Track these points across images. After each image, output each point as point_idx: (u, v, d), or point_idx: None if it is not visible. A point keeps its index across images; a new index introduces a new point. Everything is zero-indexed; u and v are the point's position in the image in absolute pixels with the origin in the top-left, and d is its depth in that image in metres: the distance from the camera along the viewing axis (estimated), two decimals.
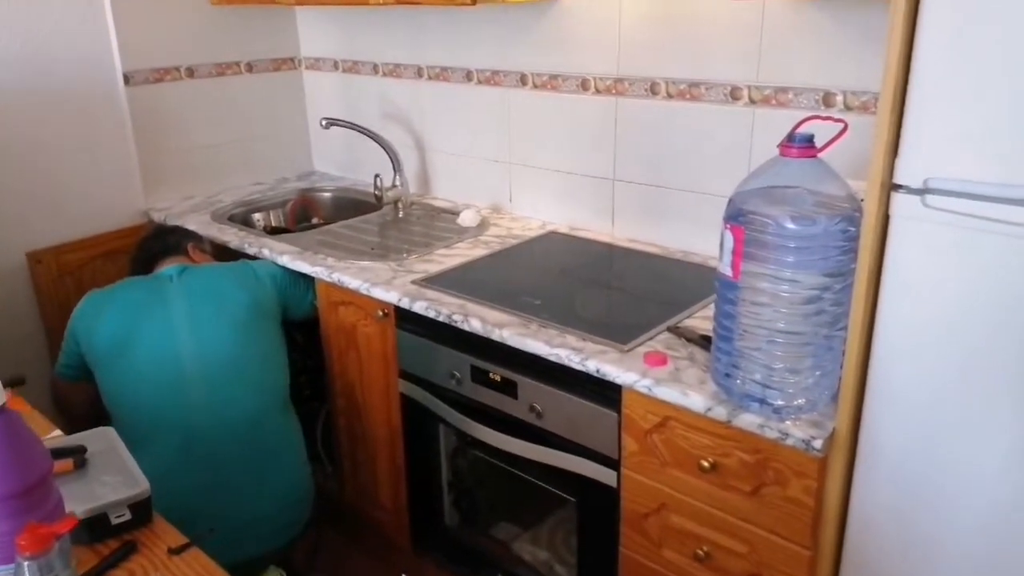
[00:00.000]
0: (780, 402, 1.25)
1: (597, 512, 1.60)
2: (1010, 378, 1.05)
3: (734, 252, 1.24)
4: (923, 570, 1.19)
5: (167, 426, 1.80)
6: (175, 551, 1.14)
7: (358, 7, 2.50)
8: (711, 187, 1.89)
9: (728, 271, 1.26)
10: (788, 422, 1.25)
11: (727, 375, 1.31)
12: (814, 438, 1.22)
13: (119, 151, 2.45)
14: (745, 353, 1.27)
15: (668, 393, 1.37)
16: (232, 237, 2.25)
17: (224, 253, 2.26)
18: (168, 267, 1.98)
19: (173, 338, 1.83)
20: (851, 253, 1.20)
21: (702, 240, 1.93)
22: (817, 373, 1.26)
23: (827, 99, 1.66)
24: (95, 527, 1.15)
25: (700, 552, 1.44)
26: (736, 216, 1.23)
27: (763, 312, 1.24)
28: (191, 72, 2.57)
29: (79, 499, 1.17)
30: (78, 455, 1.26)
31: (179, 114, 2.58)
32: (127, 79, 2.42)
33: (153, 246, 2.12)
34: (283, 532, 1.92)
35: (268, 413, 1.89)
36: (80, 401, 1.99)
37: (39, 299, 2.34)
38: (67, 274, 2.38)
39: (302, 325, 2.17)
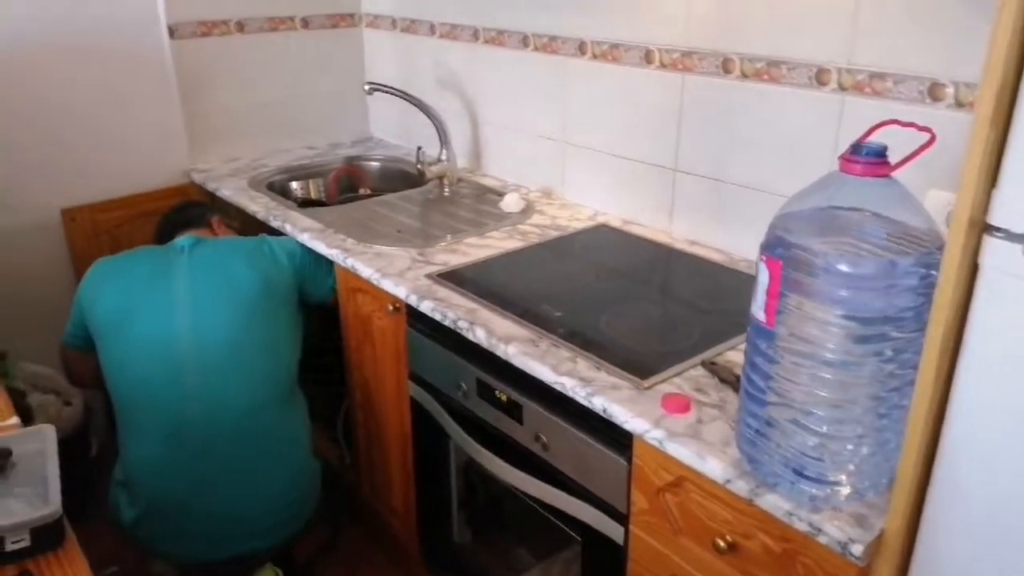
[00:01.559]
0: (815, 490, 0.98)
1: (602, 562, 1.37)
2: None
3: (769, 291, 0.96)
4: None
5: (159, 412, 1.69)
6: None
7: None
8: (787, 187, 1.56)
9: (760, 314, 0.98)
10: (824, 513, 0.98)
11: (753, 443, 1.04)
12: (853, 541, 0.94)
13: (163, 108, 2.34)
14: (778, 420, 1.00)
15: (682, 452, 1.11)
16: (260, 207, 2.10)
17: (252, 224, 2.13)
18: (183, 238, 1.85)
19: (171, 317, 1.70)
20: (926, 304, 0.90)
21: None
22: (865, 452, 0.97)
23: (934, 90, 1.32)
24: None
25: None
26: (774, 246, 0.95)
27: (802, 370, 0.96)
28: (241, 26, 2.43)
29: None
30: (1, 459, 1.13)
31: (228, 70, 2.44)
32: (172, 31, 2.30)
33: (176, 218, 2.02)
34: (278, 530, 1.78)
35: (268, 404, 1.74)
36: (85, 371, 1.90)
37: (73, 257, 2.28)
38: (103, 232, 2.31)
39: (327, 308, 2.01)
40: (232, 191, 2.24)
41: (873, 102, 1.41)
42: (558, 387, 1.29)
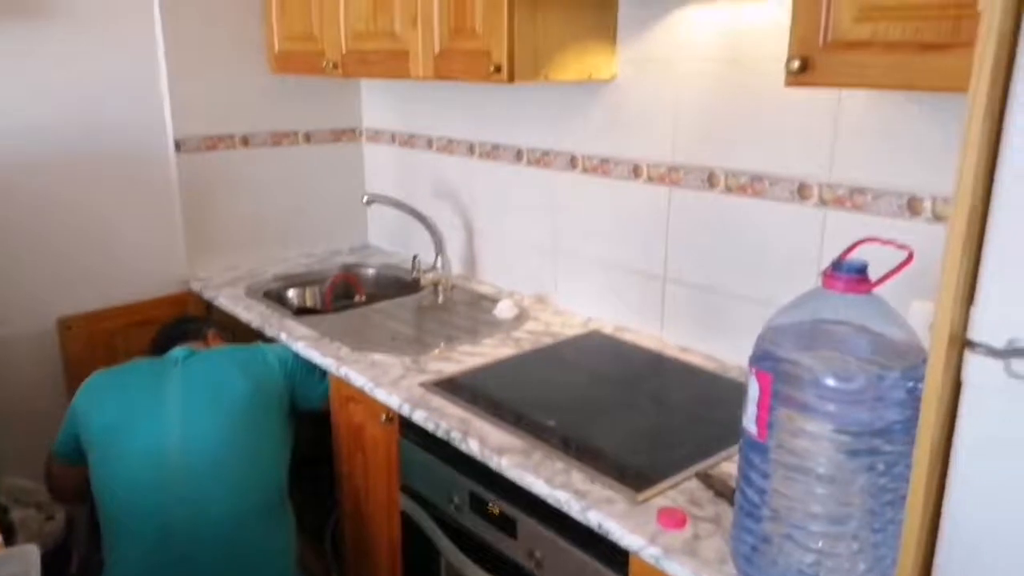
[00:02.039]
0: None
1: None
2: None
3: (759, 404, 0.97)
4: None
5: (145, 518, 1.67)
6: None
7: (404, 80, 2.38)
8: (775, 296, 1.60)
9: (752, 427, 0.98)
10: None
11: (750, 560, 1.02)
12: None
13: (164, 218, 2.40)
14: (773, 535, 0.99)
15: (678, 570, 1.09)
16: (255, 316, 2.12)
17: (248, 335, 2.14)
18: (179, 350, 1.88)
19: (162, 427, 1.70)
20: (914, 417, 0.90)
21: None
22: (862, 567, 0.96)
23: (912, 204, 1.36)
24: None
25: None
26: (763, 359, 0.96)
27: (796, 484, 0.95)
28: (246, 141, 2.51)
29: None
30: None
31: (231, 182, 2.51)
32: (179, 146, 2.37)
33: (173, 332, 2.05)
34: None
35: (253, 515, 1.72)
36: (69, 484, 1.89)
37: (66, 367, 2.27)
38: (99, 342, 2.31)
39: (317, 416, 2.00)
40: (228, 300, 2.26)
41: (854, 216, 1.45)
42: (552, 501, 1.28)
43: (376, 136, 2.70)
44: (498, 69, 1.68)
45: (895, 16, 1.06)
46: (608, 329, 1.95)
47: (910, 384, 0.90)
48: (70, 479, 1.87)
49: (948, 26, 1.02)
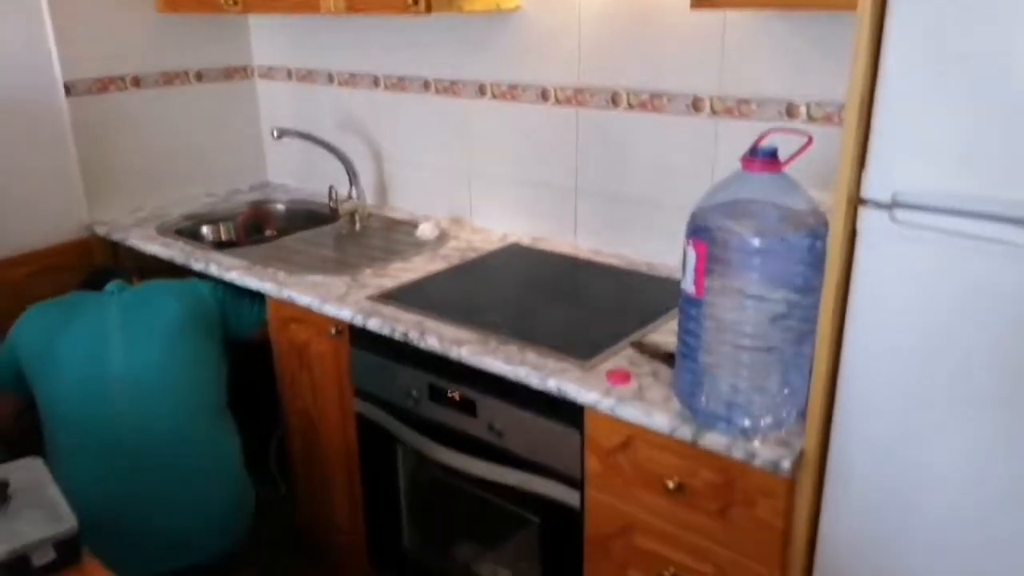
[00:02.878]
0: (746, 421, 1.21)
1: (560, 533, 1.55)
2: (980, 398, 1.02)
3: (696, 269, 1.20)
4: None
5: (92, 430, 1.77)
6: None
7: (311, 16, 2.43)
8: (675, 199, 1.85)
9: (691, 288, 1.22)
10: (755, 442, 1.21)
11: (692, 394, 1.26)
12: (782, 458, 1.18)
13: (59, 163, 2.34)
14: (710, 371, 1.23)
15: (632, 413, 1.32)
16: (177, 252, 2.16)
17: (169, 271, 2.17)
18: (112, 284, 1.96)
19: (104, 345, 1.81)
20: (817, 268, 1.16)
21: (667, 252, 1.89)
22: (785, 391, 1.22)
23: (791, 110, 1.64)
24: (17, 570, 1.06)
25: (666, 574, 1.39)
26: (698, 231, 1.19)
27: (728, 329, 1.20)
28: (137, 81, 2.48)
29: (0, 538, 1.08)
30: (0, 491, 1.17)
31: (125, 125, 2.48)
32: (68, 89, 2.31)
33: (101, 278, 2.08)
34: (212, 543, 1.84)
35: (195, 423, 1.84)
36: (1, 413, 1.95)
37: None
38: (3, 290, 2.26)
39: (248, 347, 2.09)
40: (141, 240, 2.27)
41: (742, 123, 1.71)
42: (512, 376, 1.48)
43: (270, 73, 2.72)
44: (415, 0, 1.79)
45: None
46: (526, 241, 2.15)
47: (814, 242, 1.16)
48: (3, 407, 1.94)
49: None
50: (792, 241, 1.15)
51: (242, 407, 2.27)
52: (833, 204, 1.08)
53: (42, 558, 1.08)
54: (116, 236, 2.34)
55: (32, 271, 2.31)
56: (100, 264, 2.34)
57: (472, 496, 1.76)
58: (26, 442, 2.01)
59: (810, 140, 1.16)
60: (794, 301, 1.18)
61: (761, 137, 1.20)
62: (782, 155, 1.18)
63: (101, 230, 2.39)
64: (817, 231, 1.16)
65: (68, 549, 1.10)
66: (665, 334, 1.57)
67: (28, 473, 1.24)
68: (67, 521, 1.11)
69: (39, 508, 1.15)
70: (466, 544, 1.93)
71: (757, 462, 1.20)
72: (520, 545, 1.82)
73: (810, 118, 1.61)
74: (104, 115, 2.42)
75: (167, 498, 1.77)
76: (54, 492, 1.19)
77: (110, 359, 1.80)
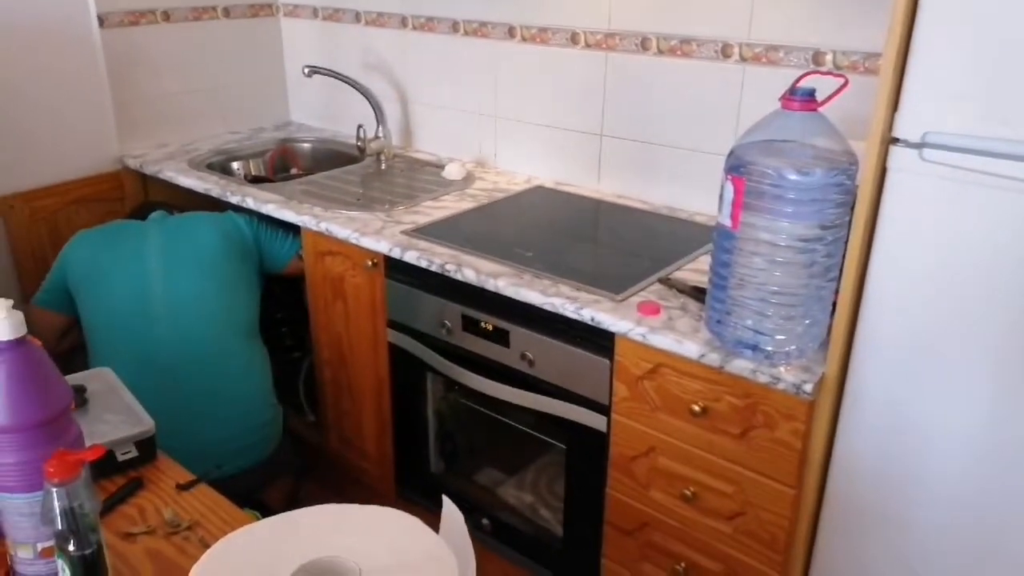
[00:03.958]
0: (771, 348, 1.30)
1: (586, 456, 1.65)
2: (996, 332, 1.10)
3: (734, 203, 1.27)
4: (902, 510, 1.26)
5: (129, 350, 1.89)
6: (184, 487, 1.15)
7: None
8: (699, 144, 1.92)
9: (728, 221, 1.29)
10: (780, 368, 1.30)
11: (720, 322, 1.35)
12: (804, 382, 1.27)
13: (93, 95, 2.38)
14: (739, 301, 1.32)
15: (663, 341, 1.41)
16: (213, 185, 2.22)
17: (200, 202, 2.24)
18: (155, 213, 2.11)
19: (145, 269, 1.93)
20: (846, 206, 1.24)
21: (689, 196, 1.97)
22: (807, 322, 1.31)
23: (817, 58, 1.69)
24: (101, 464, 1.15)
25: (687, 492, 1.50)
26: (737, 167, 1.26)
27: (759, 262, 1.28)
28: (167, 16, 2.51)
29: (85, 435, 1.17)
30: (78, 395, 1.26)
31: (154, 59, 2.52)
32: (101, 21, 2.35)
33: (145, 210, 2.20)
34: (237, 457, 1.95)
35: (227, 344, 1.96)
36: (47, 331, 2.06)
37: (12, 245, 2.28)
38: (40, 220, 2.33)
39: (282, 281, 2.18)
40: (175, 172, 2.33)
41: (769, 70, 1.77)
42: (548, 307, 1.56)
43: (295, 11, 2.75)
44: None
45: None
46: (549, 184, 2.22)
47: (845, 180, 1.23)
48: (51, 325, 2.06)
49: None
50: (825, 178, 1.22)
51: (272, 340, 2.37)
52: (867, 142, 1.15)
53: (125, 454, 1.16)
54: (150, 170, 2.40)
55: (66, 201, 2.37)
56: (149, 200, 2.43)
57: (498, 424, 1.86)
58: (69, 359, 2.14)
59: (846, 82, 1.23)
60: (823, 236, 1.26)
61: (801, 78, 1.27)
62: (819, 96, 1.25)
63: (133, 163, 2.44)
64: (848, 170, 1.23)
65: (147, 447, 1.19)
66: (690, 272, 1.65)
67: (101, 381, 1.32)
68: (145, 423, 1.20)
69: (117, 412, 1.24)
70: (491, 470, 2.04)
71: (781, 386, 1.29)
72: (543, 470, 1.93)
73: (836, 66, 1.67)
74: (134, 48, 2.46)
75: (197, 413, 1.89)
76: (129, 398, 1.27)
77: (150, 281, 1.92)
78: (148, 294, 1.91)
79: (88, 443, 1.16)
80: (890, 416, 1.24)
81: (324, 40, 2.70)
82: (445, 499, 0.90)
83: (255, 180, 2.47)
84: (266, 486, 2.10)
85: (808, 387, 1.27)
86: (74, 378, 1.33)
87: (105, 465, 1.16)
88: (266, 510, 2.04)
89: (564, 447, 1.70)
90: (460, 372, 1.80)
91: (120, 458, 1.16)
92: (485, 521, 1.94)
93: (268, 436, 2.02)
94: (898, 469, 1.25)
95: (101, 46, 2.36)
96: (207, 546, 1.03)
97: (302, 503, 2.27)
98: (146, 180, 2.47)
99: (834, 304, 1.28)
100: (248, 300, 2.05)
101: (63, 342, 2.13)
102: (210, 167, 2.42)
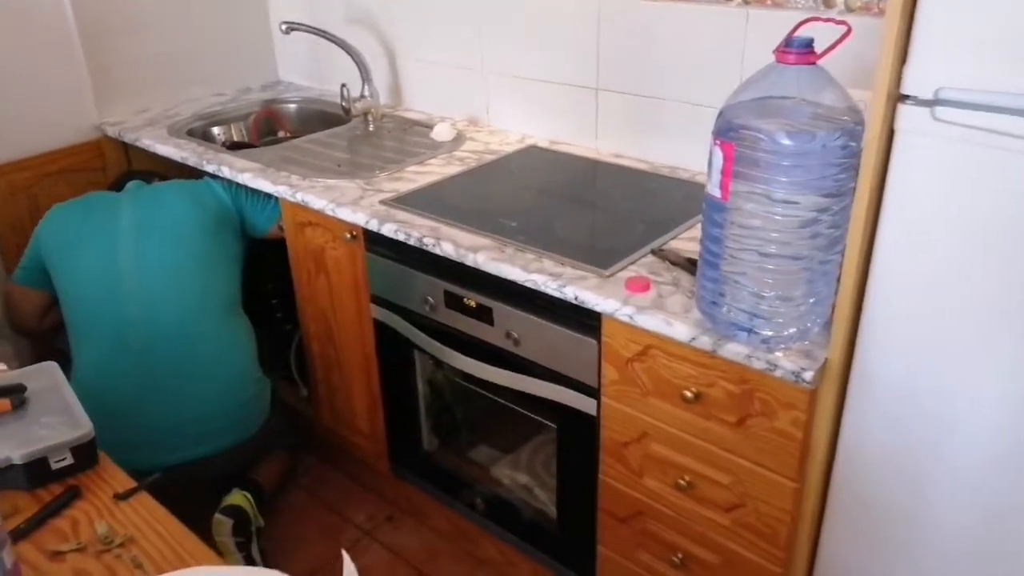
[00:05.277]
0: (768, 332, 1.17)
1: (576, 439, 1.55)
2: (1019, 309, 0.96)
3: (723, 171, 1.13)
4: (913, 505, 1.14)
5: (103, 328, 1.83)
6: (121, 496, 1.07)
7: None
8: (701, 97, 1.76)
9: (716, 191, 1.15)
10: (777, 352, 1.18)
11: (713, 303, 1.22)
12: (804, 369, 1.15)
13: (65, 63, 2.27)
14: (732, 279, 1.19)
15: (650, 322, 1.29)
16: (190, 153, 2.11)
17: (182, 171, 2.14)
18: (131, 184, 2.04)
19: (116, 239, 1.87)
20: (850, 171, 1.10)
21: (691, 154, 1.82)
22: (810, 300, 1.18)
23: None
24: (35, 472, 1.08)
25: (682, 481, 1.39)
26: (726, 131, 1.12)
27: (753, 236, 1.14)
28: None
29: (17, 441, 1.09)
30: (16, 394, 1.17)
31: (132, 21, 2.38)
32: None
33: (124, 181, 2.13)
34: (221, 436, 1.90)
35: (203, 321, 1.88)
36: (28, 309, 2.04)
37: None
38: (19, 192, 2.24)
39: (274, 246, 2.07)
40: (153, 140, 2.22)
41: (774, 13, 1.60)
42: (530, 284, 1.44)
43: None
44: None
45: None
46: (544, 143, 2.08)
47: (848, 142, 1.09)
48: (30, 303, 2.03)
49: None
50: (826, 141, 1.08)
51: (265, 307, 2.29)
52: (871, 100, 1.00)
53: (59, 461, 1.08)
54: (127, 137, 2.29)
55: (45, 173, 2.28)
56: (131, 169, 2.35)
57: (490, 402, 1.76)
58: (51, 337, 2.09)
59: (849, 30, 1.07)
60: (824, 206, 1.12)
61: (797, 27, 1.12)
62: (818, 47, 1.10)
63: (111, 131, 2.34)
64: (852, 131, 1.09)
65: (85, 453, 1.11)
66: (687, 241, 1.52)
67: (44, 378, 1.24)
68: (83, 427, 1.12)
69: (56, 413, 1.16)
70: (484, 448, 1.95)
71: (778, 373, 1.17)
72: (538, 448, 1.84)
73: (848, 8, 1.49)
74: (108, 12, 2.33)
75: (174, 392, 1.83)
76: (70, 397, 1.19)
77: (122, 256, 1.85)
78: (119, 271, 1.84)
79: (23, 448, 1.08)
80: (901, 404, 1.11)
81: None
82: (344, 555, 0.79)
83: (236, 146, 2.35)
84: (257, 463, 2.04)
85: (808, 375, 1.14)
86: (17, 374, 1.25)
87: (39, 473, 1.08)
88: (258, 488, 2.01)
89: (555, 427, 1.60)
90: (445, 351, 1.70)
91: (54, 466, 1.08)
92: (478, 501, 1.85)
93: (252, 413, 1.95)
94: (909, 462, 1.13)
95: (71, 10, 2.24)
96: (138, 567, 0.95)
97: (300, 478, 2.25)
98: (128, 148, 2.37)
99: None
100: (226, 274, 1.96)
101: (45, 320, 2.08)
102: (190, 133, 2.31)
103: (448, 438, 1.97)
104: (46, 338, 2.18)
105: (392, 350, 1.85)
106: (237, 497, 1.88)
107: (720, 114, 1.14)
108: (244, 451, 1.95)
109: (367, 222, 1.69)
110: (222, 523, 1.82)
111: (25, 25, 2.17)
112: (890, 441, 1.14)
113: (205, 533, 1.83)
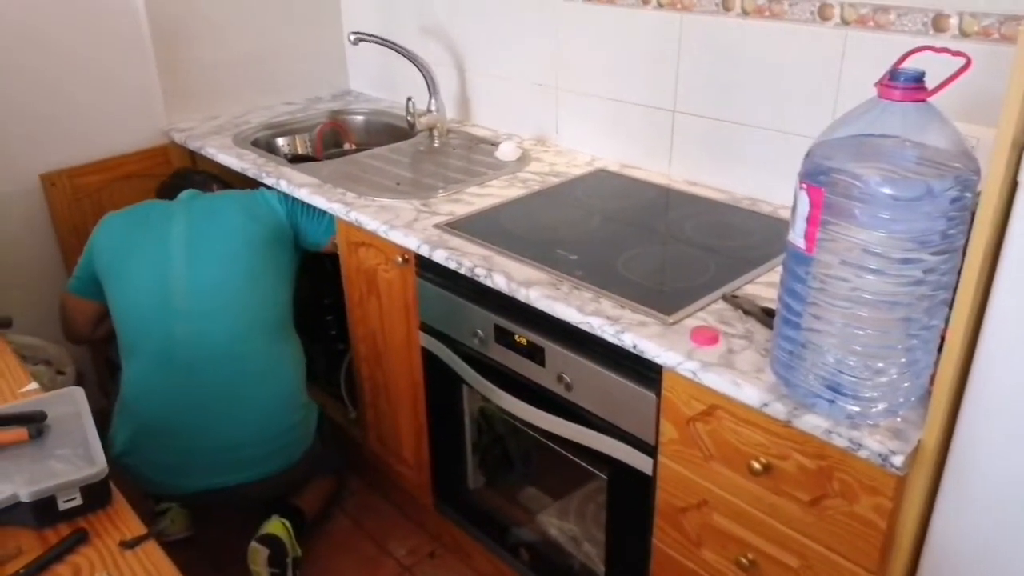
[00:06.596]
0: (853, 406, 1.02)
1: (629, 497, 1.41)
2: None
3: (809, 219, 0.99)
4: None
5: (150, 344, 1.79)
6: (128, 545, 0.99)
7: None
8: (790, 125, 1.61)
9: (800, 241, 1.01)
10: (863, 430, 1.02)
11: (790, 366, 1.07)
12: (893, 453, 0.99)
13: (137, 67, 2.27)
14: (814, 341, 1.03)
15: (717, 381, 1.15)
16: (250, 164, 2.06)
17: (242, 182, 2.10)
18: (185, 193, 1.99)
19: (168, 256, 1.82)
20: (961, 226, 0.94)
21: (775, 186, 1.66)
22: (905, 373, 1.02)
23: (938, 22, 1.35)
24: (42, 511, 1.01)
25: (744, 559, 1.24)
26: (815, 174, 0.98)
27: (841, 294, 0.99)
28: None
29: (28, 476, 1.04)
30: (36, 423, 1.12)
31: (203, 26, 2.37)
32: None
33: (179, 183, 2.10)
34: (265, 462, 1.83)
35: (252, 338, 1.82)
36: (82, 319, 2.03)
37: (54, 222, 2.22)
38: (84, 196, 2.25)
39: (334, 259, 2.01)
40: (217, 149, 2.19)
41: (876, 36, 1.43)
42: (585, 327, 1.31)
43: None
44: None
45: None
46: (614, 167, 1.95)
47: (957, 193, 0.93)
48: (83, 313, 2.01)
49: None
50: (933, 191, 0.92)
51: (320, 323, 2.23)
52: (994, 146, 0.84)
53: (68, 501, 1.02)
54: (193, 144, 2.27)
55: (112, 178, 2.29)
56: (181, 168, 2.31)
57: (539, 444, 1.64)
58: (105, 347, 2.09)
59: (968, 63, 0.92)
60: (929, 266, 0.96)
61: (905, 56, 0.96)
62: (929, 81, 0.94)
63: (178, 137, 2.32)
64: (966, 180, 0.93)
65: (96, 493, 1.04)
66: (765, 286, 1.37)
67: (67, 405, 1.18)
68: (96, 464, 1.05)
69: (72, 446, 1.10)
70: (531, 490, 1.83)
71: (863, 453, 1.01)
72: (586, 500, 1.71)
73: (962, 33, 1.32)
74: (182, 17, 2.32)
75: (219, 413, 1.77)
76: (90, 428, 1.13)
77: (172, 271, 1.81)
78: (168, 287, 1.79)
79: (31, 486, 1.02)
80: (1004, 499, 0.94)
81: (380, 3, 2.48)
82: None
83: (299, 158, 2.30)
84: (300, 489, 1.98)
85: (898, 459, 0.98)
86: (39, 402, 1.20)
87: (46, 512, 1.02)
88: (300, 514, 1.94)
89: (605, 479, 1.47)
90: (492, 390, 1.59)
91: (62, 506, 1.02)
92: (523, 551, 1.73)
93: (295, 440, 1.87)
94: (1008, 566, 0.96)
95: (146, 15, 2.24)
96: None
97: (344, 502, 2.18)
98: (194, 155, 2.35)
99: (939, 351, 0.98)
100: (278, 291, 1.90)
101: (98, 330, 2.07)
102: (255, 143, 2.27)
103: (494, 475, 1.85)
104: (101, 346, 2.18)
105: (440, 381, 1.75)
106: (275, 525, 1.81)
107: (808, 154, 1.00)
108: (285, 480, 1.88)
109: (418, 247, 1.60)
110: (258, 552, 1.76)
111: (98, 28, 2.17)
112: (988, 541, 0.97)
113: (241, 558, 1.78)
